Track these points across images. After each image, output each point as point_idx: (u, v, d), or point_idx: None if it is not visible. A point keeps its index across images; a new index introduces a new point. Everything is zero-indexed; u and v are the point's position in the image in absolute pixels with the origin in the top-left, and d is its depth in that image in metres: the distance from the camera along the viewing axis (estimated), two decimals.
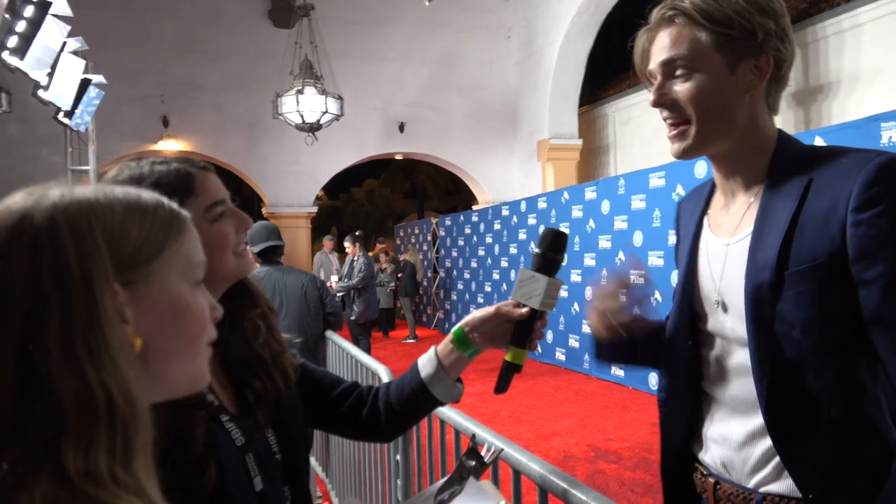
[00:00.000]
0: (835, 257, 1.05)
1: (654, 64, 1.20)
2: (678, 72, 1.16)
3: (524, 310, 1.21)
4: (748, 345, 1.14)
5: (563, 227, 8.13)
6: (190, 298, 0.69)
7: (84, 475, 0.53)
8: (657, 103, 1.20)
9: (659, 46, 1.18)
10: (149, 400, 0.65)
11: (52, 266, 0.57)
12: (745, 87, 1.15)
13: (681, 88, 1.16)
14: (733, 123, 1.17)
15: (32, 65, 5.74)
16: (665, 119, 1.21)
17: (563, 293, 8.75)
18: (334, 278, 9.26)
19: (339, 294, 8.82)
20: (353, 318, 8.82)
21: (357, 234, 9.70)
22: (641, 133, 12.23)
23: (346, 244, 9.35)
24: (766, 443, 1.14)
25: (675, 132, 1.20)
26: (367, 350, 8.62)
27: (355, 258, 9.11)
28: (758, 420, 1.14)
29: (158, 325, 0.65)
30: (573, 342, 8.68)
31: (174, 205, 0.71)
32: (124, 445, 0.56)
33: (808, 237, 1.08)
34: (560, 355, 9.01)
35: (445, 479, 1.27)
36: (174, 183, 1.07)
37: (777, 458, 1.13)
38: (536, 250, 1.22)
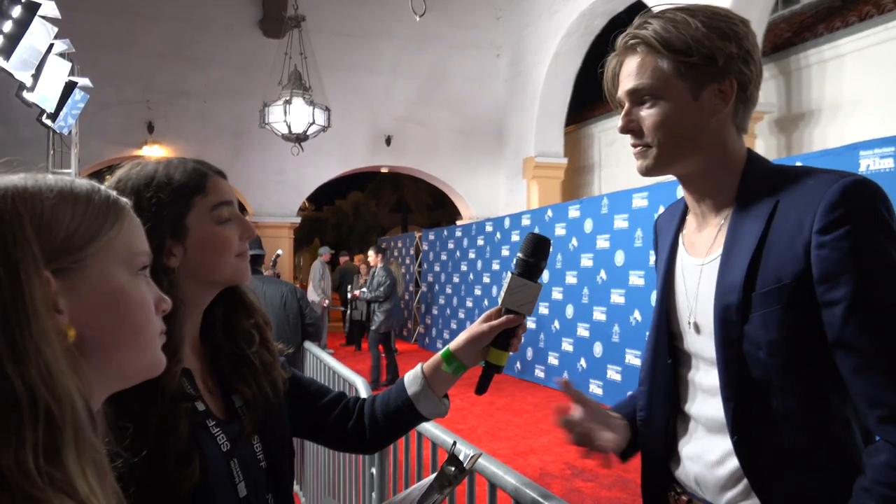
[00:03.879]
0: (799, 279, 1.05)
1: (621, 91, 1.22)
2: (644, 99, 1.19)
3: (515, 317, 1.24)
4: (716, 365, 1.15)
5: None
6: (130, 287, 0.66)
7: (17, 472, 0.51)
8: (624, 129, 1.23)
9: (625, 74, 1.21)
10: (99, 392, 0.64)
11: None
12: (710, 112, 1.16)
13: (646, 115, 1.19)
14: (699, 147, 1.18)
15: (17, 66, 5.67)
16: (631, 144, 1.23)
17: (544, 311, 8.78)
18: (363, 290, 9.51)
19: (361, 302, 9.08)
20: (373, 328, 8.94)
21: (383, 246, 9.82)
22: (626, 154, 12.18)
23: (370, 254, 9.49)
24: (736, 462, 1.14)
25: (637, 151, 1.22)
26: (392, 361, 8.88)
27: (378, 267, 9.23)
28: (729, 440, 1.14)
29: (97, 315, 0.62)
30: (552, 359, 8.69)
31: (112, 192, 0.69)
32: (50, 439, 0.54)
33: (774, 259, 1.08)
34: (539, 372, 9.01)
35: (425, 484, 1.26)
36: (187, 179, 1.09)
37: (745, 479, 1.13)
38: (523, 257, 1.23)
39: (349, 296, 11.46)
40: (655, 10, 1.20)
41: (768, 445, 1.10)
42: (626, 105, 1.21)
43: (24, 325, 0.54)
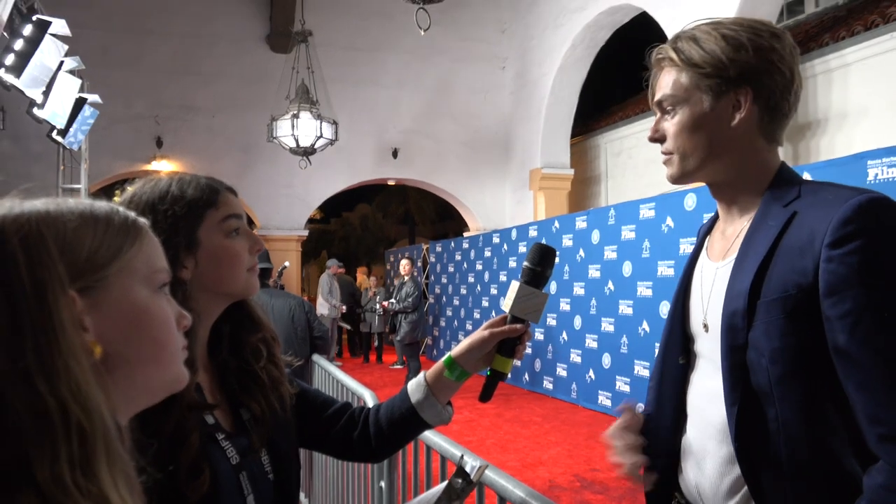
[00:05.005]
0: (805, 290, 1.06)
1: (652, 104, 1.29)
2: (667, 109, 1.25)
3: (520, 325, 1.25)
4: (721, 370, 1.16)
5: None
6: (152, 304, 0.68)
7: (54, 487, 0.52)
8: (651, 139, 1.30)
9: (656, 87, 1.28)
10: (126, 408, 0.65)
11: (1, 276, 0.56)
12: (727, 120, 1.20)
13: (668, 125, 1.25)
14: (720, 155, 1.21)
15: (28, 83, 5.73)
16: (661, 152, 1.29)
17: (552, 322, 8.76)
18: (393, 299, 9.66)
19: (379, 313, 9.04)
20: (398, 339, 8.94)
21: (408, 255, 9.88)
22: (633, 165, 12.33)
23: (403, 263, 9.59)
24: (736, 470, 1.14)
25: (664, 160, 1.28)
26: (417, 371, 8.73)
27: (407, 279, 9.25)
28: (730, 447, 1.15)
29: (121, 332, 0.64)
30: (561, 371, 8.66)
31: (131, 213, 0.71)
32: (84, 453, 0.55)
33: (781, 269, 1.09)
34: (548, 384, 8.98)
35: (433, 497, 1.27)
36: (200, 194, 1.12)
37: (746, 487, 1.13)
38: (530, 265, 1.26)
39: (378, 307, 11.64)
40: (690, 26, 1.26)
41: (768, 454, 1.10)
42: (657, 115, 1.28)
43: (52, 343, 0.56)
